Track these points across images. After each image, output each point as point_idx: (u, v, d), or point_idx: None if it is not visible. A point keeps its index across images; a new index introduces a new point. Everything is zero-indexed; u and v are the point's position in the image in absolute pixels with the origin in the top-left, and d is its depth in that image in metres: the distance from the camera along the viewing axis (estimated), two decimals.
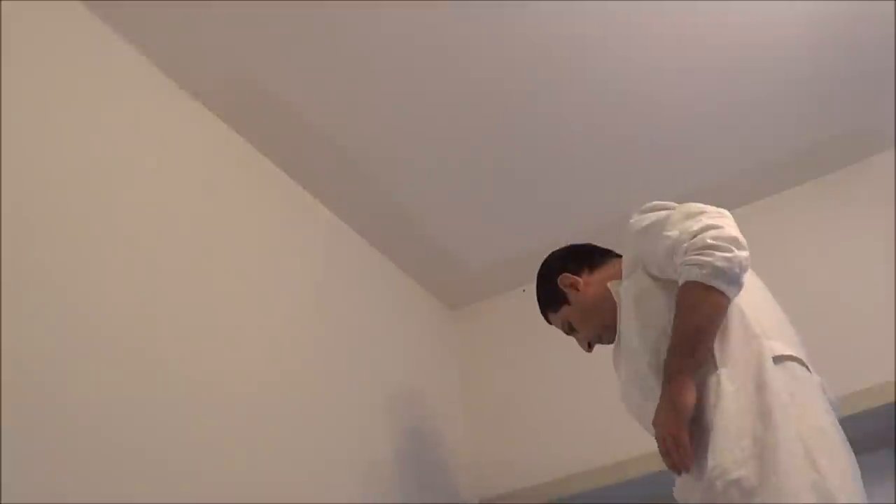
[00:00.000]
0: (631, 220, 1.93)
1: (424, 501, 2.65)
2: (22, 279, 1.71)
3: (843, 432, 1.72)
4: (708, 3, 2.29)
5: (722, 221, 1.75)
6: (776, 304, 1.90)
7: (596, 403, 2.54)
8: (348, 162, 2.62)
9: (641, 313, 1.84)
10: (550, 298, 2.14)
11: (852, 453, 1.71)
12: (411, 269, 3.05)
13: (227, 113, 2.42)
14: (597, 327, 2.07)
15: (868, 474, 1.76)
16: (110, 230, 1.98)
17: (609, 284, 1.99)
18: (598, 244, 2.17)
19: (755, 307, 1.80)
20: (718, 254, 1.68)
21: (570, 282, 2.09)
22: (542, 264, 2.19)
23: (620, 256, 1.99)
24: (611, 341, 2.03)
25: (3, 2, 1.88)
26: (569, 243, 2.21)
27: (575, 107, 2.53)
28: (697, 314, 1.71)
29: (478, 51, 2.35)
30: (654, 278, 1.84)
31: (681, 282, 1.73)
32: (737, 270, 1.70)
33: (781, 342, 1.76)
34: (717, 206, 1.81)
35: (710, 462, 1.61)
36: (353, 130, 2.53)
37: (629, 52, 2.39)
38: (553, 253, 2.21)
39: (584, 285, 2.08)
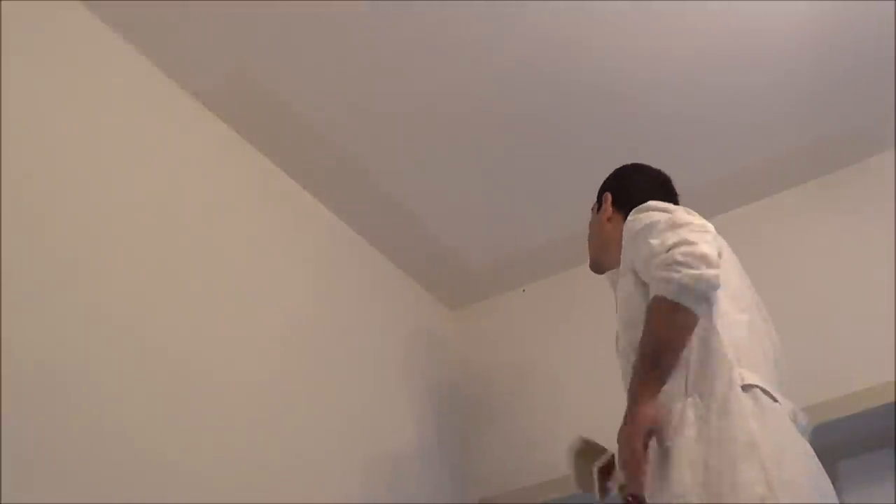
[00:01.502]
0: (627, 223, 1.95)
1: (424, 501, 2.65)
2: (22, 279, 1.71)
3: (815, 458, 1.72)
4: (708, 4, 2.29)
5: (698, 237, 1.74)
6: (766, 322, 1.90)
7: (596, 403, 2.54)
8: (348, 162, 2.62)
9: (627, 313, 1.86)
10: (598, 194, 2.23)
11: (824, 477, 1.72)
12: (411, 269, 3.06)
13: (227, 113, 2.42)
14: (590, 249, 2.20)
15: (868, 474, 1.77)
16: (110, 230, 1.98)
17: (607, 274, 2.06)
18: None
19: (736, 331, 1.79)
20: (686, 271, 1.69)
21: (606, 202, 2.17)
22: (625, 166, 2.25)
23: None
24: (594, 271, 2.19)
25: (3, 2, 1.88)
26: (658, 173, 2.21)
27: (575, 107, 2.53)
28: (662, 332, 1.72)
29: (478, 51, 2.35)
30: (641, 282, 1.85)
31: (650, 294, 1.74)
32: (702, 287, 1.70)
33: (751, 370, 1.74)
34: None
35: (671, 489, 1.61)
36: (353, 130, 2.53)
37: (629, 52, 2.39)
38: (634, 170, 2.23)
39: (606, 216, 2.15)
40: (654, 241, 1.77)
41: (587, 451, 2.30)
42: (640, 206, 1.97)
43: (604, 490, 2.23)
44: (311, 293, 2.57)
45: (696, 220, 1.81)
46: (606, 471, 2.24)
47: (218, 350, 2.13)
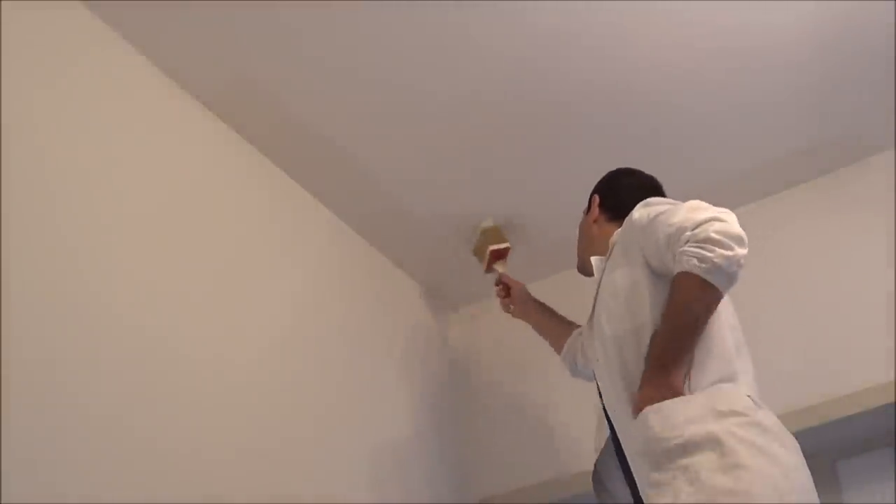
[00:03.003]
0: (635, 214, 1.97)
1: (424, 501, 2.65)
2: (22, 279, 1.71)
3: None
4: (709, 4, 2.29)
5: (727, 217, 1.77)
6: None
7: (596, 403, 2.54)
8: (348, 162, 2.62)
9: (631, 300, 1.88)
10: (589, 196, 2.30)
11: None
12: (411, 269, 3.06)
13: (227, 113, 2.42)
14: (578, 250, 2.30)
15: (868, 474, 1.78)
16: (110, 230, 1.98)
17: (593, 259, 2.08)
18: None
19: (733, 337, 1.83)
20: (719, 250, 1.70)
21: (594, 203, 2.26)
22: (618, 170, 2.32)
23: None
24: (581, 272, 2.27)
25: (3, 2, 1.88)
26: (650, 178, 2.26)
27: (577, 108, 2.53)
28: (692, 307, 1.73)
29: (479, 51, 2.34)
30: (651, 272, 1.88)
31: (677, 269, 1.74)
32: (734, 269, 1.71)
33: (746, 383, 1.79)
34: (717, 205, 1.85)
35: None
36: (354, 131, 2.53)
37: (629, 53, 2.39)
38: (625, 174, 2.29)
39: (593, 217, 2.24)
40: (676, 220, 1.79)
41: (493, 233, 2.82)
42: (644, 201, 2.00)
43: (490, 268, 2.83)
44: (311, 293, 2.57)
45: (714, 207, 1.83)
46: (498, 255, 2.80)
47: (217, 349, 2.13)
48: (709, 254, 1.70)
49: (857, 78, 2.51)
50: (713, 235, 1.71)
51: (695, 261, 1.70)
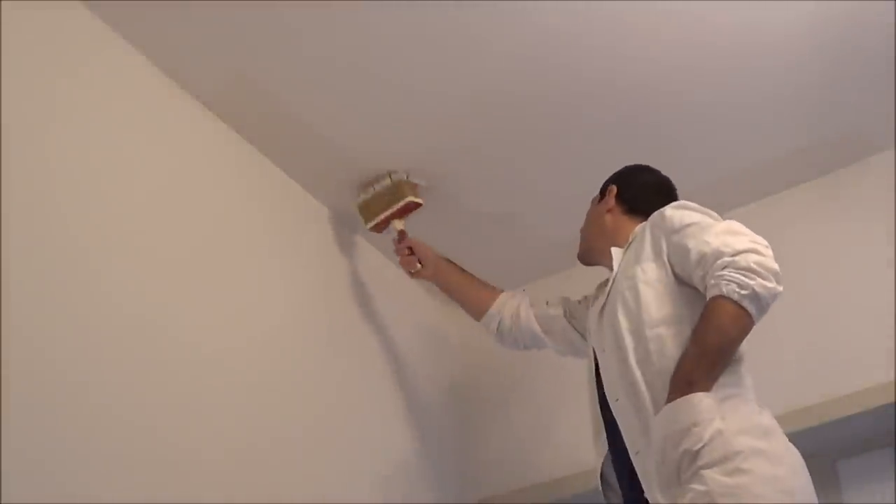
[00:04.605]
0: (667, 211, 1.98)
1: (424, 501, 2.65)
2: (22, 278, 1.71)
3: None
4: (709, 3, 2.29)
5: (765, 251, 1.81)
6: None
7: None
8: (348, 162, 2.62)
9: (653, 297, 1.90)
10: (603, 185, 2.30)
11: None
12: None
13: (227, 113, 2.42)
14: (584, 237, 2.28)
15: (868, 474, 1.78)
16: (110, 230, 1.97)
17: (613, 250, 2.07)
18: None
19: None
20: (760, 280, 1.75)
21: (609, 194, 2.24)
22: (636, 165, 2.31)
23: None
24: (582, 260, 2.29)
25: (3, 2, 1.88)
26: (667, 179, 2.28)
27: (577, 107, 2.53)
28: (727, 331, 1.76)
29: (480, 50, 2.34)
30: (675, 275, 1.91)
31: (713, 293, 1.77)
32: (769, 301, 1.77)
33: (748, 387, 1.84)
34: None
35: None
36: (354, 131, 2.53)
37: (630, 52, 2.39)
38: (644, 170, 2.30)
39: (607, 207, 2.22)
40: (714, 242, 1.82)
41: (404, 186, 2.54)
42: (679, 202, 2.03)
43: (385, 223, 2.57)
44: (311, 293, 2.56)
45: (751, 233, 1.87)
46: (407, 210, 2.55)
47: (217, 350, 2.13)
48: (750, 281, 1.74)
49: (857, 78, 2.51)
50: (753, 266, 1.76)
51: (734, 286, 1.74)
